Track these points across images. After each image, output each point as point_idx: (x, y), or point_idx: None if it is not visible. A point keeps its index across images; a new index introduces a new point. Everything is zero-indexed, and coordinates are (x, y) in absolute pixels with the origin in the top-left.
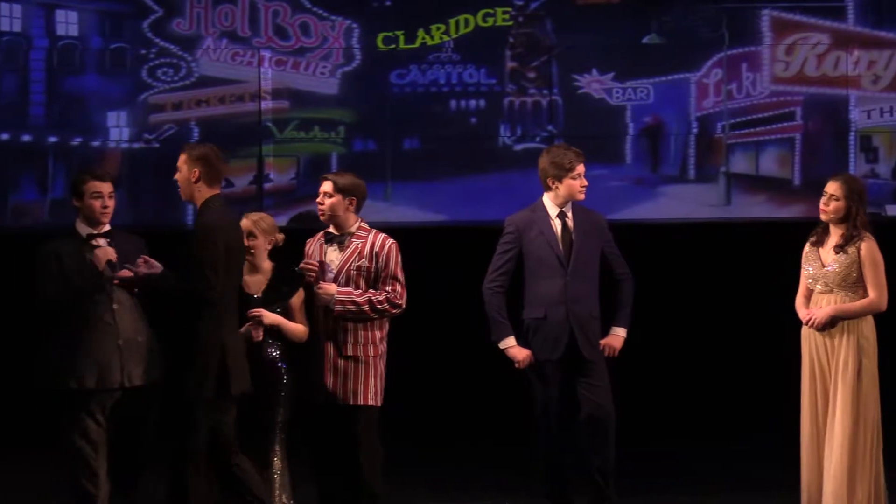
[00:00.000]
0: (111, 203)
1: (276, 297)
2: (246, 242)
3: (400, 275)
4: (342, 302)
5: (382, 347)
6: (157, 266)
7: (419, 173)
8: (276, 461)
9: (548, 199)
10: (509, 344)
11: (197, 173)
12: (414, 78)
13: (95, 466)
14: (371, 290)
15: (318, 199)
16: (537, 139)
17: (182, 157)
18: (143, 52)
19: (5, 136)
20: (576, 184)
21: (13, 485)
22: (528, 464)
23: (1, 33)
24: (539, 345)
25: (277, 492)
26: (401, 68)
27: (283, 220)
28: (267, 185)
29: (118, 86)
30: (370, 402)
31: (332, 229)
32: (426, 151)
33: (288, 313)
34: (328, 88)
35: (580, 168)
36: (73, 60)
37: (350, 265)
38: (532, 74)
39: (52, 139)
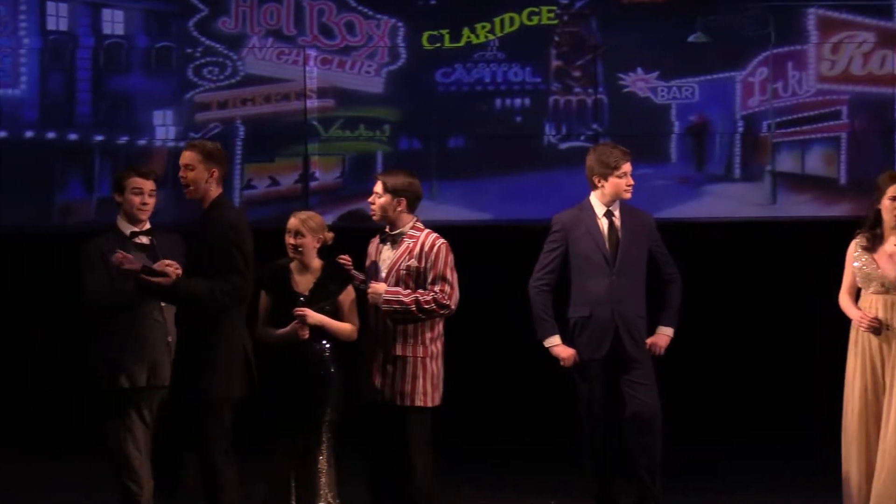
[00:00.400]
0: (150, 201)
1: (323, 295)
2: (294, 241)
3: (449, 275)
4: (389, 301)
5: (434, 348)
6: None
7: (464, 172)
8: (322, 460)
9: (594, 198)
10: (554, 343)
11: (215, 172)
12: (459, 76)
13: (139, 466)
14: (419, 291)
15: (370, 199)
16: (582, 138)
17: (193, 156)
18: (189, 50)
19: (52, 135)
20: (621, 182)
21: (58, 483)
22: (574, 462)
23: (48, 32)
24: (584, 343)
25: (323, 490)
26: (446, 67)
27: (329, 219)
28: (312, 184)
29: (164, 84)
30: (418, 404)
31: (387, 229)
32: (471, 150)
33: (337, 312)
34: (373, 87)
35: (626, 167)
36: (119, 59)
37: (400, 265)
38: (577, 73)
39: (99, 138)
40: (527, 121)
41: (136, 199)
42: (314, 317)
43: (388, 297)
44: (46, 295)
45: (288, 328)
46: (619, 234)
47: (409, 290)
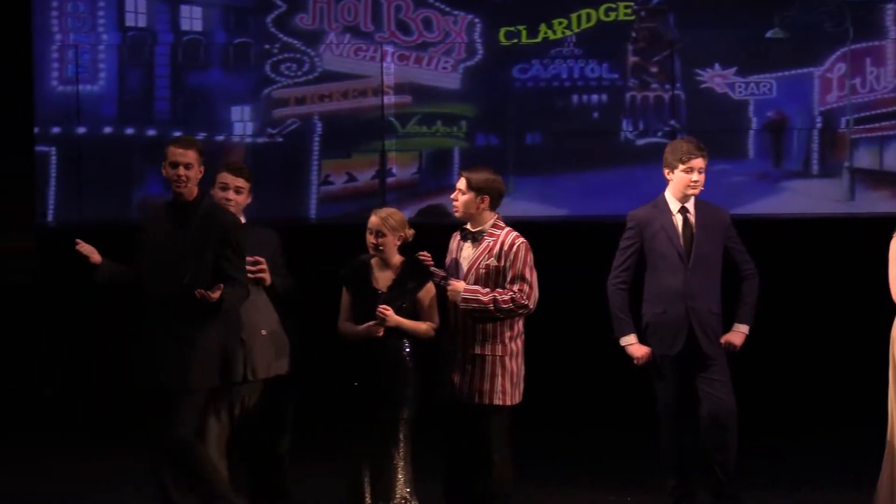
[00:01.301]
0: (235, 197)
1: (401, 292)
2: (374, 240)
3: (528, 275)
4: (468, 300)
5: (514, 346)
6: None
7: (541, 168)
8: (399, 457)
9: (669, 194)
10: (629, 341)
11: (202, 170)
12: (536, 73)
13: (213, 463)
14: (498, 290)
15: (453, 195)
16: (659, 134)
17: (195, 156)
18: (267, 47)
19: (130, 131)
20: (686, 178)
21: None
22: (652, 458)
23: (127, 28)
24: (658, 340)
25: (399, 488)
26: (523, 63)
27: (406, 214)
28: (389, 180)
29: (242, 81)
30: (496, 402)
31: (468, 226)
32: (548, 146)
33: (416, 309)
34: (450, 83)
35: (695, 162)
36: (197, 55)
37: (479, 263)
38: (654, 69)
39: (177, 133)
40: (604, 117)
41: (221, 194)
42: (393, 319)
43: (467, 295)
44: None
45: (365, 326)
46: (694, 230)
47: (487, 289)
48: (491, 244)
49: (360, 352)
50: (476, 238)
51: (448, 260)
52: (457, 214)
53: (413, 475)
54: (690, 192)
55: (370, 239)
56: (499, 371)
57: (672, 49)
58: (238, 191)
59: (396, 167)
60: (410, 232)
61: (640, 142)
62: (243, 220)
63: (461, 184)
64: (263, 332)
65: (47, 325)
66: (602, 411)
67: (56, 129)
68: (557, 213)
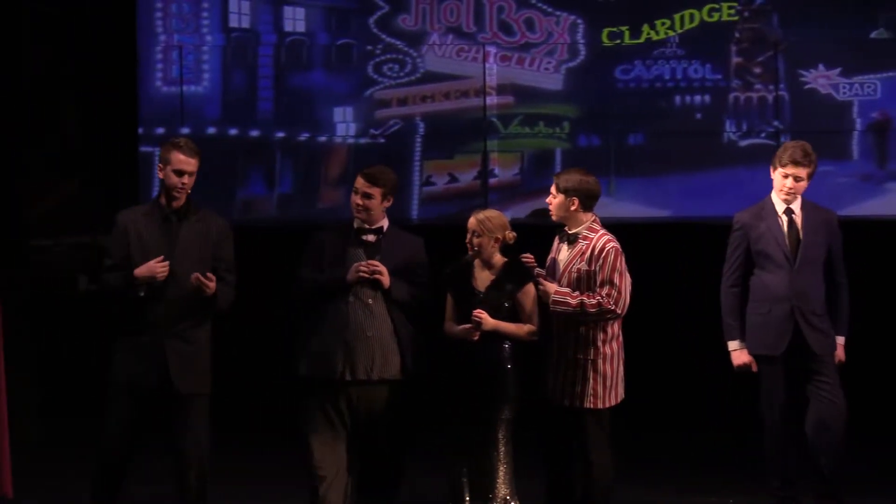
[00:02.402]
0: (362, 202)
1: (499, 294)
2: (473, 241)
3: (617, 279)
4: (556, 302)
5: (607, 349)
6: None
7: (643, 169)
8: (498, 457)
9: (775, 195)
10: (733, 347)
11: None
12: (639, 73)
13: (319, 458)
14: (587, 294)
15: (547, 199)
16: (762, 135)
17: (197, 164)
18: (370, 47)
19: (234, 132)
20: (781, 182)
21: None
22: (753, 460)
23: (230, 29)
24: (763, 340)
25: (499, 487)
26: (625, 63)
27: (509, 215)
28: (492, 181)
29: (344, 81)
30: (587, 405)
31: (566, 227)
32: (650, 147)
33: (515, 311)
34: (553, 84)
35: (792, 170)
36: (300, 56)
37: (572, 267)
38: (758, 70)
39: (280, 134)
40: (707, 118)
41: (353, 198)
42: (490, 323)
43: (556, 297)
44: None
45: (462, 328)
46: (800, 231)
47: (577, 293)
48: (584, 247)
49: (461, 352)
50: (572, 240)
51: (548, 261)
52: (553, 217)
53: (513, 475)
54: (783, 196)
55: (469, 240)
56: (591, 375)
57: (776, 50)
58: (366, 196)
59: (498, 168)
60: (510, 234)
61: (744, 143)
62: (385, 223)
63: (553, 187)
64: (370, 334)
65: None
66: (705, 412)
67: (160, 130)
68: (660, 215)
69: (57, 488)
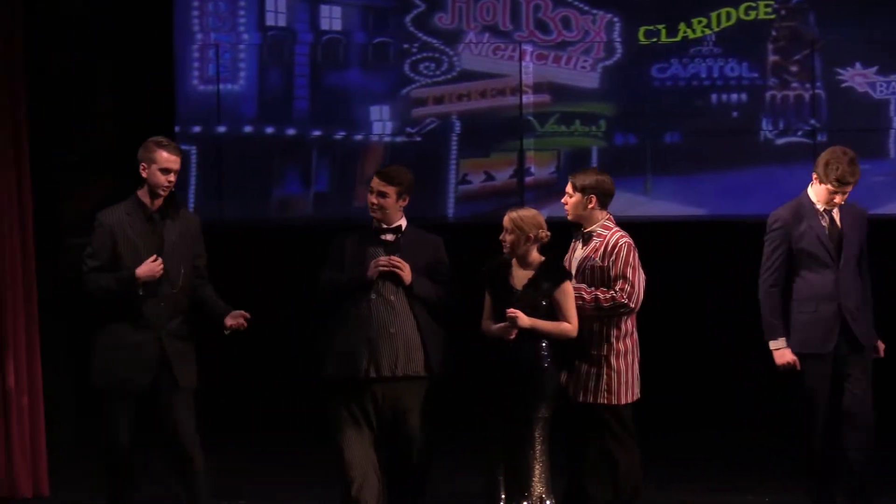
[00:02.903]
0: (377, 200)
1: (536, 292)
2: (507, 240)
3: (630, 274)
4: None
5: (622, 345)
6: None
7: (679, 167)
8: (534, 456)
9: (813, 194)
10: (777, 346)
11: None
12: (675, 72)
13: (349, 457)
14: (601, 289)
15: (563, 199)
16: (799, 133)
17: (179, 162)
18: (406, 46)
19: (270, 130)
20: (827, 195)
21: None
22: (787, 458)
23: (267, 28)
24: (811, 339)
25: (534, 485)
26: (662, 62)
27: (545, 214)
28: (528, 179)
29: (381, 80)
30: (601, 401)
31: (582, 226)
32: (687, 145)
33: (553, 310)
34: (589, 82)
35: (842, 188)
36: (336, 55)
37: (587, 264)
38: (794, 68)
39: (316, 133)
40: (743, 116)
41: (369, 197)
42: (524, 320)
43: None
44: (263, 290)
45: (498, 327)
46: (841, 229)
47: (591, 289)
48: (598, 244)
49: (498, 351)
50: (586, 238)
51: (566, 259)
52: (569, 217)
53: (549, 473)
54: (829, 206)
55: (502, 238)
56: (605, 370)
57: (812, 48)
58: (381, 195)
59: (535, 166)
60: (545, 233)
61: (780, 141)
62: (403, 222)
63: (569, 186)
64: (392, 330)
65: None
66: (740, 411)
67: (196, 129)
68: (696, 213)
69: (92, 487)
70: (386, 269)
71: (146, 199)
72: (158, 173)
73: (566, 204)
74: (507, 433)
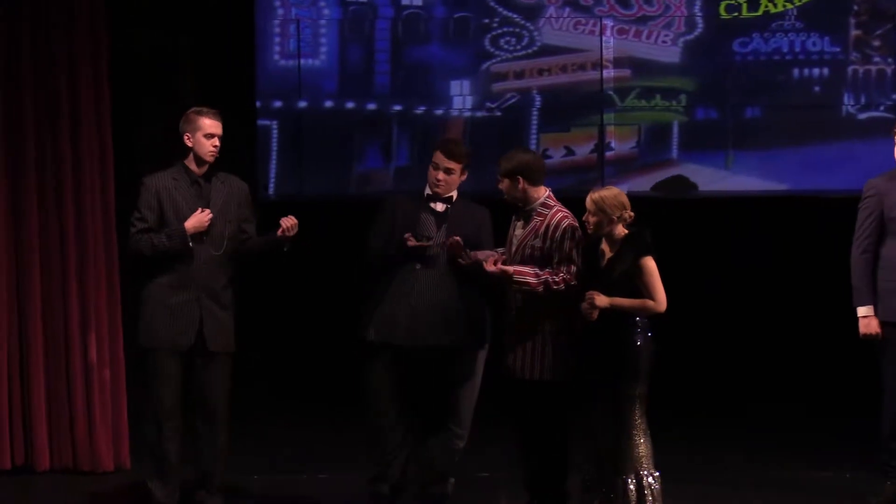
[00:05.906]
0: (443, 177)
1: (616, 268)
2: (590, 220)
3: (575, 256)
4: (518, 283)
5: (566, 323)
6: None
7: (761, 142)
8: (635, 433)
9: None
10: (864, 313)
11: None
12: (756, 46)
13: (384, 416)
14: (548, 271)
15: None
16: (881, 108)
17: (221, 128)
18: (486, 21)
19: (351, 105)
20: None
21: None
22: (872, 436)
23: (347, 3)
24: (892, 308)
25: (636, 462)
26: (743, 36)
27: (625, 189)
28: (608, 154)
29: (461, 55)
30: (545, 377)
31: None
32: (768, 120)
33: (635, 286)
34: (670, 57)
35: None
36: (417, 30)
37: (526, 243)
38: (877, 42)
39: (396, 108)
40: (825, 91)
41: (433, 173)
42: (602, 300)
43: (517, 278)
44: (343, 265)
45: (583, 308)
46: None
47: (538, 271)
48: (537, 224)
49: (587, 331)
50: (527, 218)
51: (508, 238)
52: (506, 198)
53: (651, 449)
54: None
55: (585, 218)
56: (549, 348)
57: (895, 22)
58: (448, 171)
59: (615, 141)
60: (628, 213)
61: (862, 116)
62: (454, 193)
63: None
64: (434, 300)
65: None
66: (820, 385)
67: (277, 104)
68: (777, 188)
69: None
70: (446, 249)
71: (192, 166)
72: (203, 139)
73: (504, 192)
74: (604, 410)
